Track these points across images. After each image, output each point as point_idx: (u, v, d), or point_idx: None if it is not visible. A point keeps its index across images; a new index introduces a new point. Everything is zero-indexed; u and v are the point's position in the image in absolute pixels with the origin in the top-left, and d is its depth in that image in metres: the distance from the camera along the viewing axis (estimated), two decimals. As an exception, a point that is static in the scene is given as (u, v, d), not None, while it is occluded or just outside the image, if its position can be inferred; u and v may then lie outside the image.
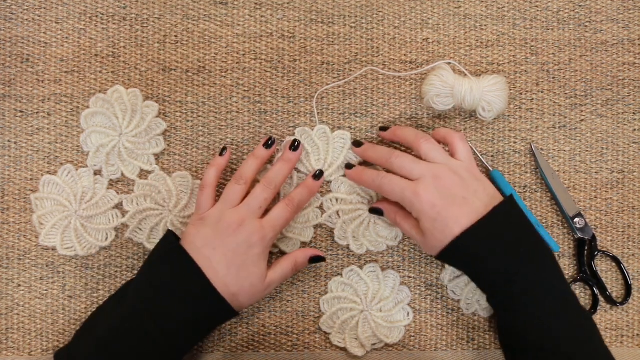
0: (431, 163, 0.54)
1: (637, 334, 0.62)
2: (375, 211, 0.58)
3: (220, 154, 0.58)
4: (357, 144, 0.60)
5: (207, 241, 0.52)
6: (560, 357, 0.48)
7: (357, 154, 0.60)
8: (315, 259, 0.57)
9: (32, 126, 0.62)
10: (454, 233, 0.51)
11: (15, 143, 0.61)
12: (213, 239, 0.52)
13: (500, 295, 0.52)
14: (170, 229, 0.59)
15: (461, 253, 0.52)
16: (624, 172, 0.63)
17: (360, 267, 0.61)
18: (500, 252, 0.51)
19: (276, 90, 0.62)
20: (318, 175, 0.58)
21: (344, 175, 0.61)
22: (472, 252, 0.51)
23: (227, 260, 0.52)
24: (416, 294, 0.61)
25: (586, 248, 0.61)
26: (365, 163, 0.61)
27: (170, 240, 0.54)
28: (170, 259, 0.53)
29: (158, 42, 0.62)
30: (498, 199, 0.53)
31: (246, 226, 0.53)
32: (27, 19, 0.62)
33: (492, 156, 0.63)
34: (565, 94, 0.63)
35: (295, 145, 0.58)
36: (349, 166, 0.60)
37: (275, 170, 0.56)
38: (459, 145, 0.56)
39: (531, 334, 0.50)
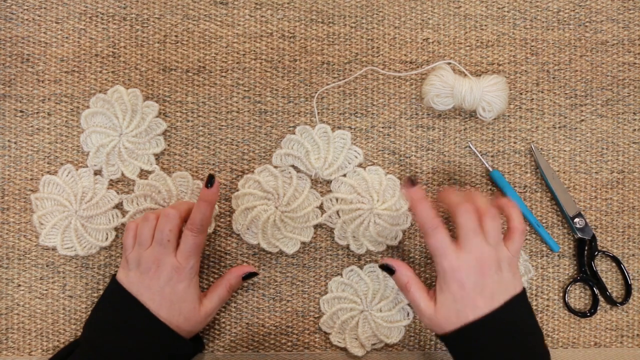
0: (485, 242, 0.51)
1: (637, 334, 0.62)
2: (386, 268, 0.54)
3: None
4: (411, 181, 0.53)
5: (134, 285, 0.52)
6: None
7: (407, 196, 0.54)
8: (248, 276, 0.57)
9: (32, 126, 0.62)
10: (468, 319, 0.49)
11: (15, 143, 0.61)
12: (139, 284, 0.52)
13: None
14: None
15: (470, 341, 0.50)
16: (624, 172, 0.63)
17: (360, 267, 0.61)
18: (508, 348, 0.49)
19: (276, 90, 0.62)
20: (210, 181, 0.53)
21: (344, 175, 0.61)
22: (480, 343, 0.49)
23: (156, 302, 0.52)
24: (416, 294, 0.61)
25: (586, 248, 0.61)
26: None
27: (112, 281, 0.54)
28: (111, 298, 0.53)
29: (158, 42, 0.62)
30: (515, 291, 0.51)
31: (163, 265, 0.52)
32: (27, 19, 0.62)
33: (492, 156, 0.63)
34: (565, 94, 0.63)
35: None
36: (411, 181, 0.53)
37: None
38: (517, 238, 0.52)
39: None
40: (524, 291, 0.52)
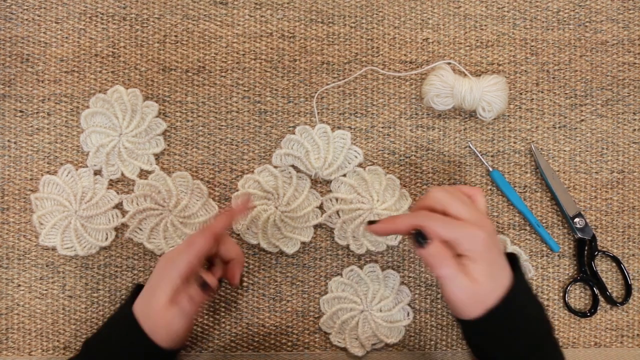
0: (473, 208, 0.48)
1: (637, 334, 0.62)
2: (419, 236, 0.46)
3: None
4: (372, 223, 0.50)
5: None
6: None
7: (377, 233, 0.50)
8: (204, 285, 0.51)
9: (32, 126, 0.62)
10: (505, 286, 0.45)
11: (15, 143, 0.61)
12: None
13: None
14: (170, 228, 0.59)
15: (509, 314, 0.46)
16: (624, 172, 0.63)
17: (360, 267, 0.61)
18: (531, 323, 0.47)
19: (276, 90, 0.62)
20: (204, 285, 0.50)
21: (344, 175, 0.61)
22: (512, 316, 0.46)
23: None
24: (416, 294, 0.61)
25: (586, 248, 0.61)
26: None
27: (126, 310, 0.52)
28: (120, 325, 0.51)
29: (158, 42, 0.62)
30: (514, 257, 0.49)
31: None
32: (27, 19, 0.62)
33: (492, 156, 0.63)
34: (565, 94, 0.63)
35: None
36: (372, 222, 0.50)
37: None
38: (481, 200, 0.50)
39: None
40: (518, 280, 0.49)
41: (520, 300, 0.47)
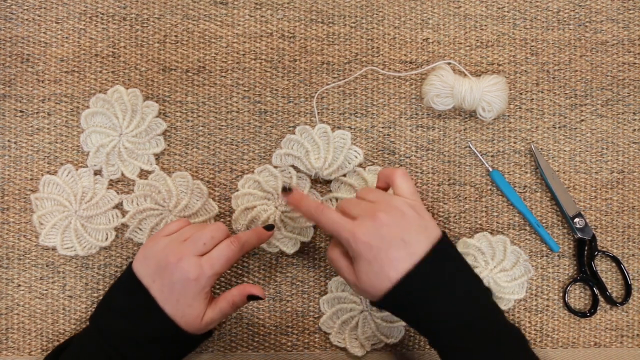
0: (371, 202, 0.50)
1: (637, 334, 0.62)
2: (284, 190, 0.55)
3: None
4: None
5: (148, 272, 0.51)
6: None
7: (288, 203, 0.55)
8: (253, 297, 0.54)
9: (32, 126, 0.62)
10: (392, 278, 0.47)
11: (15, 143, 0.61)
12: (153, 272, 0.51)
13: (444, 339, 0.49)
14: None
15: (401, 300, 0.48)
16: (624, 172, 0.63)
17: (360, 267, 0.61)
18: (442, 298, 0.48)
19: (276, 90, 0.62)
20: (269, 227, 0.56)
21: (344, 175, 0.61)
22: (413, 298, 0.48)
23: (165, 295, 0.50)
24: (416, 294, 0.61)
25: (586, 248, 0.61)
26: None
27: (128, 268, 0.53)
28: (124, 285, 0.53)
29: (158, 42, 0.62)
30: (436, 236, 0.50)
31: (185, 261, 0.50)
32: (27, 19, 0.62)
33: (492, 156, 0.63)
34: (565, 94, 0.63)
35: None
36: (285, 190, 0.55)
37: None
38: (400, 181, 0.52)
39: None
40: (444, 235, 0.50)
41: (415, 287, 0.48)
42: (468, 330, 0.48)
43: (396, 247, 0.48)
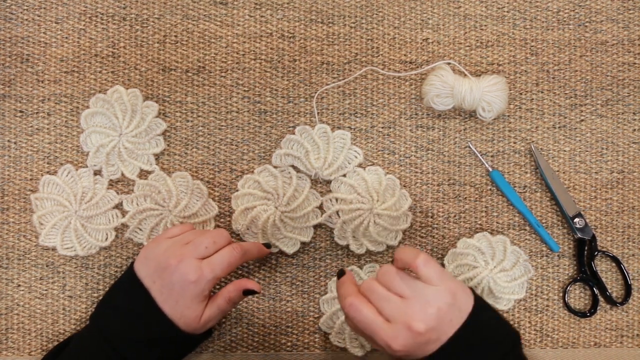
0: (406, 300, 0.48)
1: (637, 334, 0.62)
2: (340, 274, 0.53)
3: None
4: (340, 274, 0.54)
5: (148, 272, 0.51)
6: None
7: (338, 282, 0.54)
8: (249, 292, 0.54)
9: (32, 126, 0.62)
10: (425, 352, 0.47)
11: (15, 143, 0.61)
12: (154, 273, 0.51)
13: None
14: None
15: None
16: (624, 172, 0.63)
17: (360, 267, 0.61)
18: None
19: (276, 90, 0.62)
20: (267, 246, 0.57)
21: (344, 175, 0.61)
22: None
23: (163, 297, 0.51)
24: (416, 294, 0.61)
25: (586, 248, 0.61)
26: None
27: (129, 269, 0.53)
28: (125, 285, 0.53)
29: (158, 42, 0.62)
30: (467, 311, 0.49)
31: (184, 265, 0.50)
32: (27, 19, 0.62)
33: (492, 156, 0.63)
34: (565, 94, 0.63)
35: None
36: (340, 273, 0.54)
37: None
38: (425, 271, 0.48)
39: None
40: (475, 302, 0.49)
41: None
42: None
43: (427, 344, 0.47)
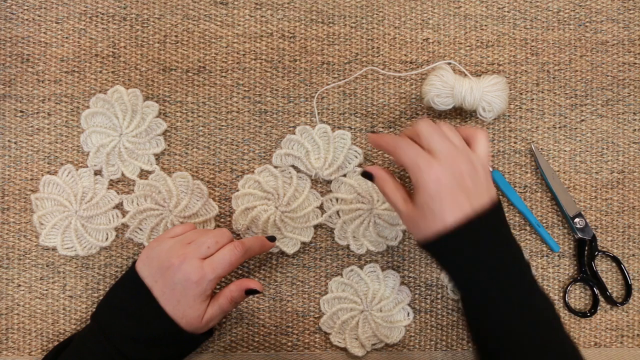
0: (453, 144, 0.50)
1: (637, 334, 0.62)
2: (365, 175, 0.53)
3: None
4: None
5: (150, 272, 0.52)
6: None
7: (373, 141, 0.54)
8: (251, 291, 0.54)
9: (32, 126, 0.62)
10: (447, 223, 0.47)
11: (15, 143, 0.61)
12: (156, 272, 0.51)
13: (478, 298, 0.49)
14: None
15: (449, 249, 0.49)
16: (624, 172, 0.63)
17: (360, 267, 0.61)
18: (489, 262, 0.48)
19: (276, 90, 0.62)
20: (271, 239, 0.57)
21: (344, 175, 0.61)
22: (461, 252, 0.48)
23: (165, 296, 0.51)
24: (416, 294, 0.61)
25: (586, 248, 0.61)
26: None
27: (131, 268, 0.54)
28: (127, 285, 0.53)
29: (158, 42, 0.62)
30: (496, 198, 0.51)
31: (187, 263, 0.50)
32: (27, 19, 0.62)
33: (492, 156, 0.63)
34: (565, 94, 0.63)
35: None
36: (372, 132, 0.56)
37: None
38: (481, 141, 0.52)
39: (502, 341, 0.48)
40: (500, 202, 0.51)
41: (465, 242, 0.48)
42: (506, 299, 0.48)
43: (463, 195, 0.48)
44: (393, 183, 0.52)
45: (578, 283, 0.62)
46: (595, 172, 0.63)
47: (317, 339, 0.61)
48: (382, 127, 0.62)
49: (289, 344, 0.61)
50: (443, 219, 0.47)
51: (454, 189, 0.48)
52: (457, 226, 0.47)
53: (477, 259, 0.48)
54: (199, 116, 0.62)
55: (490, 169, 0.62)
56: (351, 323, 0.60)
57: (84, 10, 0.63)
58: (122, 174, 0.61)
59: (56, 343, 0.60)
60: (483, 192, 0.49)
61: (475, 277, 0.48)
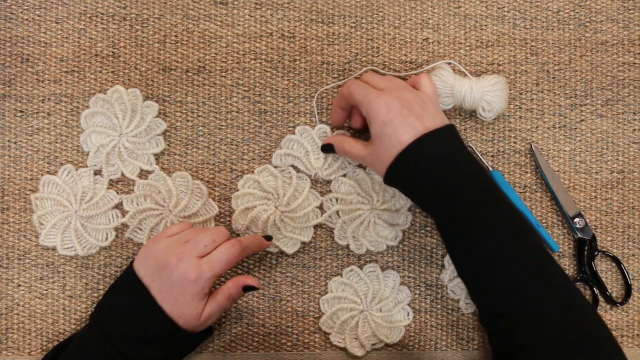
0: (398, 82, 0.55)
1: (637, 334, 0.62)
2: (325, 148, 0.59)
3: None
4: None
5: (148, 271, 0.51)
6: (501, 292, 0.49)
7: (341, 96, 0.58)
8: (248, 288, 0.54)
9: (32, 126, 0.62)
10: (403, 142, 0.50)
11: (15, 143, 0.61)
12: (153, 271, 0.51)
13: (448, 212, 0.51)
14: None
15: (409, 165, 0.51)
16: (624, 172, 0.63)
17: (360, 267, 0.61)
18: (450, 168, 0.50)
19: (276, 90, 0.62)
20: (268, 238, 0.57)
21: (344, 175, 0.61)
22: (421, 164, 0.50)
23: (162, 295, 0.51)
24: (416, 294, 0.61)
25: (586, 248, 0.61)
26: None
27: (129, 268, 0.54)
28: (125, 284, 0.53)
29: (158, 42, 0.62)
30: (448, 122, 0.53)
31: (184, 262, 0.50)
32: (27, 19, 0.62)
33: (492, 156, 0.63)
34: (565, 94, 0.63)
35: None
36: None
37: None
38: (424, 81, 0.56)
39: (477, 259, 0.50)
40: (455, 127, 0.53)
41: (423, 153, 0.50)
42: (471, 202, 0.50)
43: (413, 116, 0.51)
44: (350, 138, 0.57)
45: (578, 283, 0.62)
46: (595, 172, 0.63)
47: (316, 339, 0.61)
48: (382, 127, 0.62)
49: (289, 343, 0.61)
50: (399, 139, 0.50)
51: (404, 112, 0.51)
52: (413, 142, 0.50)
53: (437, 170, 0.50)
54: (199, 116, 0.62)
55: (490, 169, 0.62)
56: (351, 323, 0.60)
57: (84, 10, 0.63)
58: (122, 174, 0.61)
59: (56, 343, 0.60)
60: (434, 116, 0.52)
61: (439, 187, 0.50)
